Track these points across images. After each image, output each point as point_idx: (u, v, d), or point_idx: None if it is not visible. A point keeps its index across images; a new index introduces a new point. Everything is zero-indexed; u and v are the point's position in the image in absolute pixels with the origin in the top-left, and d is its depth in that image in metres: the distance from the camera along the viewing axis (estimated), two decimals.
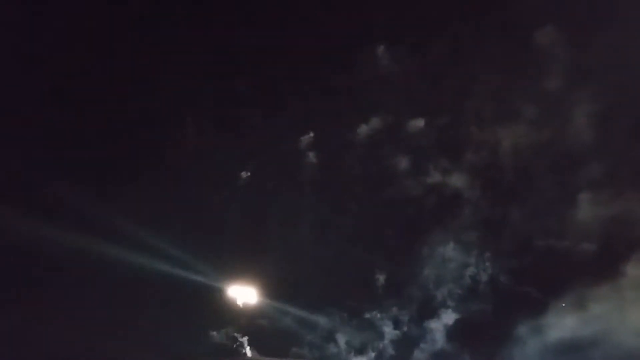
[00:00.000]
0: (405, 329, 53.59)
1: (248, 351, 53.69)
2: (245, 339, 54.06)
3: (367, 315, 53.76)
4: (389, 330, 53.56)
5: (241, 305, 54.31)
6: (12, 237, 49.02)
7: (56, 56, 52.28)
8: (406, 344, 53.51)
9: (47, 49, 52.30)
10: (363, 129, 53.09)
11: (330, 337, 53.98)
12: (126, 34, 52.40)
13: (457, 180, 53.49)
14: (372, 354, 53.38)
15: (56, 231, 49.33)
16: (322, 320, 54.18)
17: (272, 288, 54.47)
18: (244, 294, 54.57)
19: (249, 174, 54.36)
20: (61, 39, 52.38)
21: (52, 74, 52.93)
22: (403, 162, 53.43)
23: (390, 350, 53.45)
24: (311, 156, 54.60)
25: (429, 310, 53.62)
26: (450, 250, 53.14)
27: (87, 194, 50.93)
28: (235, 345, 54.03)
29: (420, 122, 53.30)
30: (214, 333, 54.04)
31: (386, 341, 53.47)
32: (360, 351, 53.57)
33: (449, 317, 53.33)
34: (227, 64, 53.57)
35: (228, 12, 52.59)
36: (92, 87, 53.54)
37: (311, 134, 54.35)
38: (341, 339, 53.83)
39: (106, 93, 53.38)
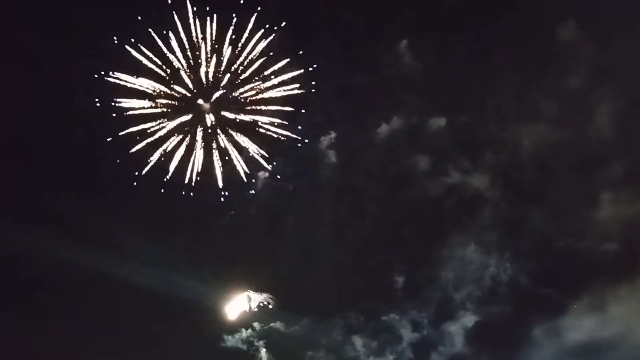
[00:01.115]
0: (424, 331, 52.97)
1: (264, 355, 52.52)
2: (261, 343, 52.88)
3: (384, 318, 53.01)
4: (407, 333, 52.84)
5: (257, 310, 53.08)
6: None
7: None
8: (425, 347, 52.92)
9: None
10: (384, 129, 51.68)
11: (347, 341, 52.83)
12: None
13: (478, 181, 52.41)
14: (391, 357, 52.27)
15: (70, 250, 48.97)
16: (339, 323, 52.98)
17: (289, 291, 53.66)
18: (259, 298, 53.30)
19: (267, 174, 52.92)
20: None
21: None
22: (423, 162, 52.50)
23: (409, 353, 52.68)
24: (331, 156, 53.54)
25: (448, 312, 52.93)
26: (470, 251, 52.09)
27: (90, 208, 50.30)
28: (251, 350, 52.80)
29: (441, 121, 51.88)
30: (230, 337, 52.84)
31: (404, 344, 52.45)
32: (378, 354, 52.37)
33: (468, 320, 52.53)
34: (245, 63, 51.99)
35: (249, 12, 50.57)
36: None
37: (332, 134, 53.11)
38: (358, 342, 52.70)
39: None
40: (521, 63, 51.80)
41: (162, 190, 51.44)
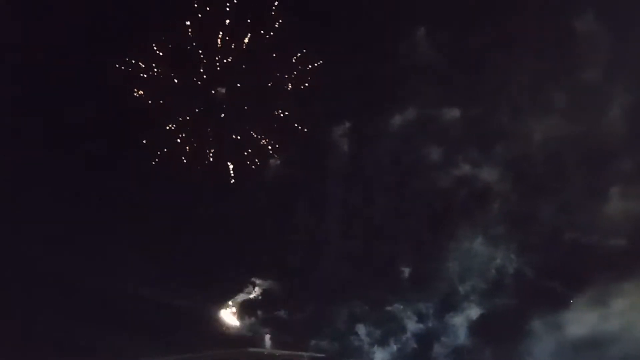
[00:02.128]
0: (428, 322, 52.82)
1: (267, 342, 52.34)
2: (266, 331, 52.78)
3: (389, 308, 52.72)
4: (412, 324, 52.66)
5: (261, 297, 52.72)
6: None
7: None
8: (429, 338, 52.88)
9: None
10: (397, 119, 50.75)
11: (351, 330, 52.66)
12: None
13: (488, 173, 51.83)
14: (395, 347, 52.20)
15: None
16: (343, 312, 52.79)
17: (294, 279, 53.28)
18: (264, 284, 53.05)
19: (278, 162, 52.42)
20: None
21: None
22: (435, 154, 51.81)
23: (413, 344, 52.56)
24: (343, 145, 52.87)
25: (453, 304, 52.80)
26: (477, 244, 51.69)
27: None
28: (254, 336, 52.65)
29: (455, 112, 51.05)
30: (234, 324, 52.75)
31: (409, 334, 52.49)
32: (382, 344, 52.35)
33: (473, 312, 52.36)
34: (261, 51, 50.79)
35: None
36: None
37: (346, 123, 52.38)
38: (362, 331, 52.57)
39: None
40: (538, 55, 50.88)
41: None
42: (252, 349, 51.62)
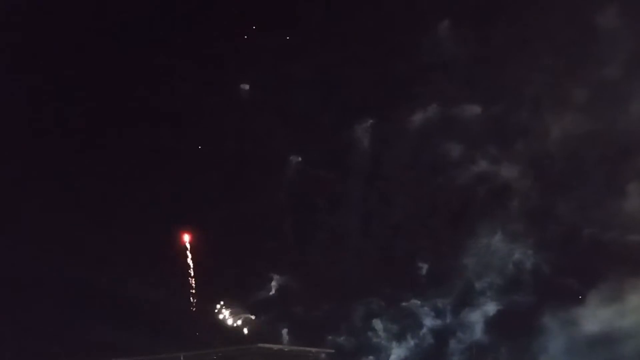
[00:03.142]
0: (445, 318, 52.70)
1: (285, 336, 52.21)
2: (283, 326, 53.11)
3: (407, 304, 52.64)
4: (429, 320, 52.60)
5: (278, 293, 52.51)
6: None
7: None
8: (445, 333, 52.91)
9: None
10: (419, 116, 50.21)
11: (368, 325, 52.62)
12: None
13: (508, 170, 51.41)
14: (412, 342, 52.15)
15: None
16: (360, 308, 52.83)
17: (312, 276, 53.10)
18: (282, 281, 52.98)
19: (299, 158, 52.16)
20: None
21: None
22: (455, 151, 51.63)
23: (430, 339, 52.48)
24: (364, 143, 52.29)
25: (470, 300, 52.72)
26: (496, 241, 51.49)
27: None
28: (272, 332, 52.66)
29: (476, 109, 50.59)
30: (252, 318, 52.85)
31: (425, 330, 52.35)
32: (399, 339, 52.28)
33: (489, 308, 52.17)
34: (286, 49, 50.56)
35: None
36: None
37: (368, 121, 51.91)
38: (380, 327, 52.40)
39: None
40: (561, 50, 50.24)
41: None
42: (261, 345, 51.47)
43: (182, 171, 51.40)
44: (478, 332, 52.33)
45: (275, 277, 53.27)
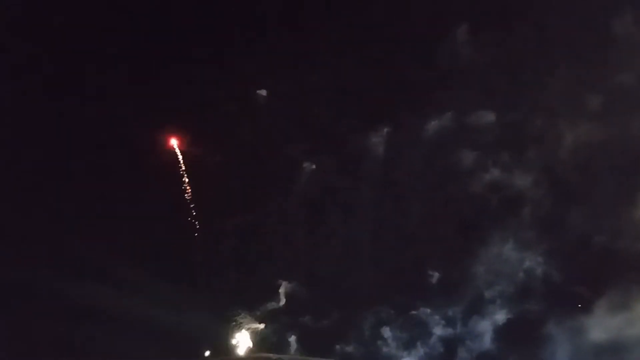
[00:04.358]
0: (455, 327, 52.12)
1: (294, 344, 51.54)
2: (292, 336, 52.28)
3: (417, 313, 52.06)
4: (439, 328, 52.02)
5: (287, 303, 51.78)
6: None
7: None
8: (455, 342, 52.34)
9: None
10: (434, 124, 49.41)
11: (377, 334, 52.01)
12: None
13: (520, 178, 51.21)
14: (422, 351, 51.61)
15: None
16: (369, 317, 52.19)
17: (321, 283, 52.24)
18: (291, 289, 52.21)
19: (313, 166, 51.45)
20: None
21: None
22: (468, 159, 51.09)
23: (440, 348, 51.90)
24: (378, 151, 51.64)
25: (479, 308, 52.24)
26: (508, 249, 51.03)
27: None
28: (280, 341, 51.96)
29: (491, 116, 50.22)
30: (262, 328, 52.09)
31: (435, 338, 51.78)
32: (409, 348, 51.71)
33: (499, 317, 51.93)
34: (303, 56, 49.45)
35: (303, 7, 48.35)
36: None
37: (384, 129, 51.24)
38: (389, 336, 51.84)
39: None
40: (577, 58, 49.60)
41: None
42: (263, 354, 51.11)
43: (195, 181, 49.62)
44: (488, 340, 51.57)
45: (285, 284, 52.07)
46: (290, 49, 49.53)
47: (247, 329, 51.69)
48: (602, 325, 50.87)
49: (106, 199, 50.15)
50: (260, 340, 52.19)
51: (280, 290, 52.19)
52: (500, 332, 52.17)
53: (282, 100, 50.46)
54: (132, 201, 50.03)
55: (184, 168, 49.89)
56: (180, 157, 49.97)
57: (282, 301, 51.98)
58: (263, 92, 50.26)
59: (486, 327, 52.19)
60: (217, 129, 50.32)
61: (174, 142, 50.06)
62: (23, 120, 49.33)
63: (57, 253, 48.48)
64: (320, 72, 49.92)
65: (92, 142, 50.01)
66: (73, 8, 48.94)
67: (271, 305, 52.07)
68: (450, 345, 52.51)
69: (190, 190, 49.77)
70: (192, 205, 50.11)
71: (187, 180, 50.21)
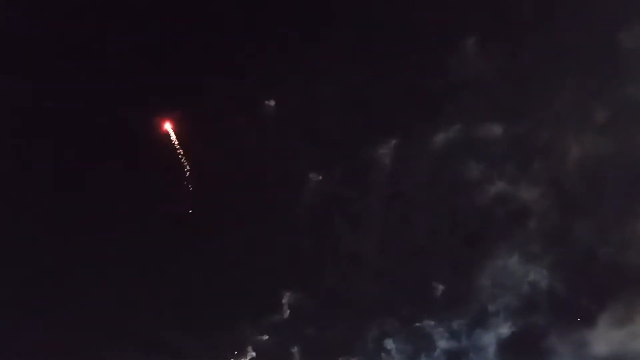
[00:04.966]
0: (459, 339, 51.77)
1: (297, 358, 51.23)
2: (295, 347, 51.79)
3: (421, 325, 51.65)
4: (443, 341, 51.73)
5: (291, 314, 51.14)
6: None
7: None
8: (458, 355, 52.02)
9: None
10: (441, 136, 49.12)
11: (380, 346, 51.70)
12: None
13: (526, 191, 50.95)
14: None
15: None
16: (373, 328, 51.92)
17: (326, 294, 51.85)
18: (294, 301, 51.61)
19: (320, 177, 50.97)
20: None
21: None
22: (475, 170, 50.68)
23: None
24: (385, 163, 51.20)
25: (483, 321, 52.04)
26: (513, 262, 50.72)
27: None
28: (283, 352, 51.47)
29: (499, 129, 49.99)
30: (263, 338, 51.47)
31: (439, 351, 51.40)
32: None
33: (502, 330, 51.69)
34: (310, 67, 49.20)
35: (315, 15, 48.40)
36: None
37: (392, 141, 50.76)
38: (393, 348, 51.41)
39: None
40: (585, 70, 49.35)
41: None
42: None
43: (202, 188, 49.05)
44: (492, 353, 51.23)
45: (288, 295, 51.37)
46: (297, 59, 49.01)
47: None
48: (605, 339, 50.60)
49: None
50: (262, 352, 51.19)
51: (283, 302, 51.11)
52: (504, 345, 51.65)
53: (290, 110, 49.79)
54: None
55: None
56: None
57: (286, 312, 50.93)
58: (271, 102, 49.24)
59: (490, 340, 51.56)
60: (224, 140, 49.23)
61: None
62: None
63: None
64: (328, 82, 49.47)
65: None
66: None
67: (275, 316, 50.99)
68: (454, 358, 52.05)
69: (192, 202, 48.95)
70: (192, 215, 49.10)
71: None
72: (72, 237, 48.99)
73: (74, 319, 48.61)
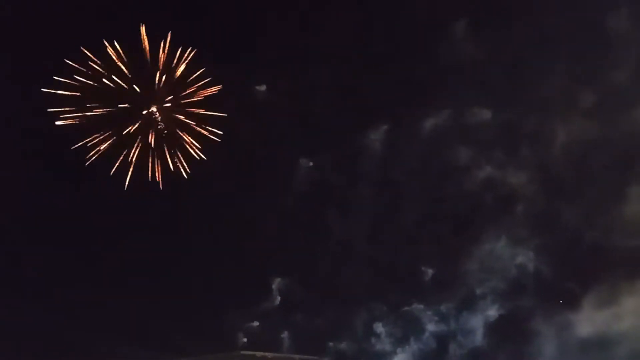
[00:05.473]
0: (449, 323, 52.30)
1: (287, 341, 51.30)
2: (285, 333, 52.09)
3: (410, 309, 52.07)
4: (432, 324, 52.16)
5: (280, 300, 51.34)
6: None
7: None
8: (449, 338, 52.58)
9: None
10: (430, 122, 49.19)
11: (370, 331, 51.92)
12: None
13: (514, 176, 51.32)
14: (415, 347, 51.70)
15: None
16: (363, 313, 52.20)
17: (315, 281, 51.91)
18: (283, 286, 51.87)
19: (311, 163, 51.05)
20: None
21: None
22: (464, 156, 50.95)
23: (433, 344, 52.02)
24: (376, 148, 51.32)
25: (472, 305, 52.48)
26: (500, 247, 51.21)
27: None
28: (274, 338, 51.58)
29: (487, 114, 50.20)
30: (254, 324, 51.75)
31: (428, 334, 51.87)
32: (402, 344, 51.77)
33: (490, 313, 52.32)
34: (301, 52, 48.95)
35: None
36: None
37: (382, 126, 50.92)
38: (382, 332, 51.79)
39: None
40: (572, 54, 49.63)
41: None
42: (244, 352, 50.87)
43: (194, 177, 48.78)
44: (480, 336, 51.89)
45: (277, 280, 51.58)
46: (288, 45, 48.58)
47: None
48: (590, 320, 51.35)
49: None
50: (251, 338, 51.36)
51: (273, 287, 51.13)
52: (492, 328, 52.29)
53: (280, 96, 49.39)
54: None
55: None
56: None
57: (277, 299, 51.04)
58: (262, 88, 48.85)
59: (478, 323, 52.07)
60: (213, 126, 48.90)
61: None
62: None
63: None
64: (318, 68, 49.01)
65: None
66: None
67: (265, 302, 51.11)
68: (443, 341, 52.57)
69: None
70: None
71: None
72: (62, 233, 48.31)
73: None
